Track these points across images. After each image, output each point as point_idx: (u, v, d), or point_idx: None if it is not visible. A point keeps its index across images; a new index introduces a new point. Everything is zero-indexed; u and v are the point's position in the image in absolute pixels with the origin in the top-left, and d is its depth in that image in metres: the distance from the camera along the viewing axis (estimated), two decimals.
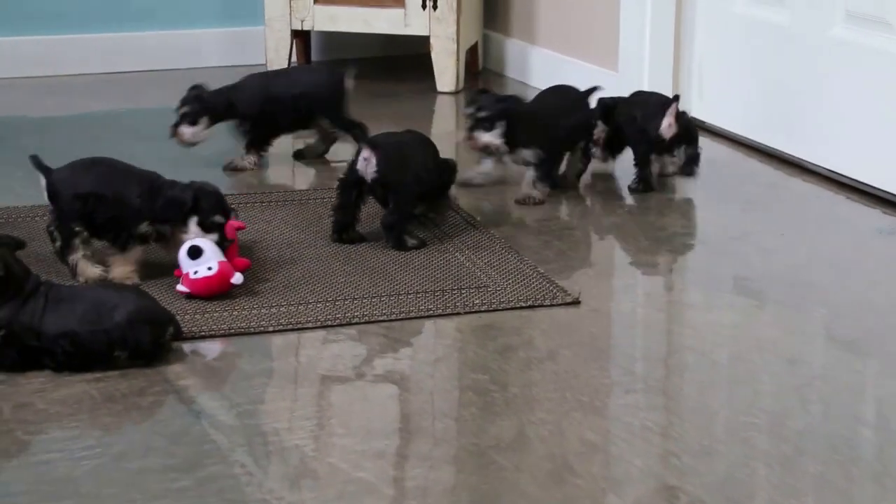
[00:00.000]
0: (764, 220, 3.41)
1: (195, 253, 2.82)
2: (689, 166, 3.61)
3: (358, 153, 3.11)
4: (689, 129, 3.63)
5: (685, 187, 3.68)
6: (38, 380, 2.48)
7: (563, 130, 3.47)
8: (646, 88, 4.14)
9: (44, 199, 2.94)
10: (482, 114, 3.32)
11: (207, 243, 2.84)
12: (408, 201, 3.12)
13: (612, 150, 3.72)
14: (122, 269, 2.89)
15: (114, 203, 2.87)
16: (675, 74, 4.16)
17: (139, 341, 2.50)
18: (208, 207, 2.88)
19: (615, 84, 4.23)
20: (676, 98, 3.57)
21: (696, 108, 4.16)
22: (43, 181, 2.92)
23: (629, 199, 3.61)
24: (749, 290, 2.97)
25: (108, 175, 2.91)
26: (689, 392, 2.50)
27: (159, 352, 2.54)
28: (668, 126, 3.53)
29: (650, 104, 3.59)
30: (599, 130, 3.66)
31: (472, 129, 3.36)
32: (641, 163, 3.59)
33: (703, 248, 3.25)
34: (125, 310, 2.51)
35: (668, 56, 4.15)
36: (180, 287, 2.83)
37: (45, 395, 2.42)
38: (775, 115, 3.88)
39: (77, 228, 2.88)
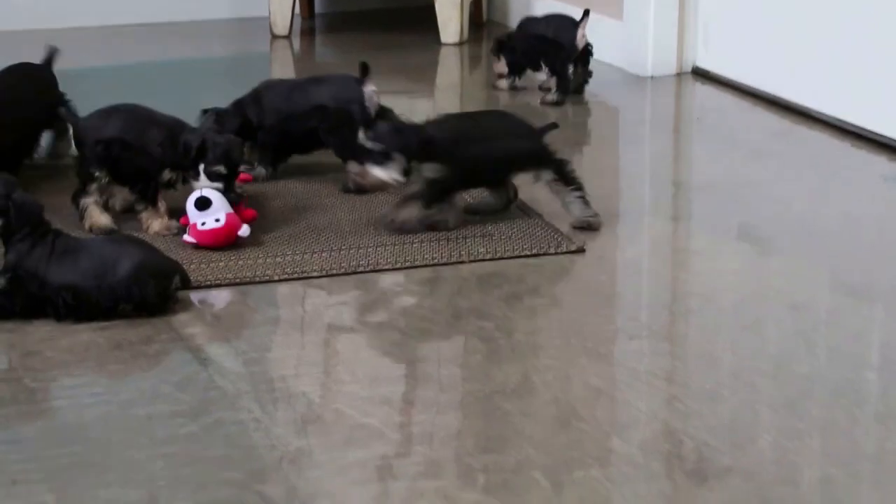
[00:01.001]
0: (769, 168, 3.40)
1: (203, 204, 2.82)
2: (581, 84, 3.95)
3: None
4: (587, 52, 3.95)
5: (690, 135, 3.68)
6: (45, 328, 2.49)
7: (482, 162, 2.96)
8: (651, 38, 4.13)
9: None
10: (376, 145, 2.89)
11: (215, 194, 2.83)
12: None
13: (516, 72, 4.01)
14: (160, 222, 2.90)
15: (135, 149, 2.88)
16: (681, 23, 4.14)
17: (144, 295, 2.51)
18: (214, 156, 2.87)
19: (621, 34, 4.22)
20: (587, 13, 3.85)
21: (701, 57, 4.14)
22: (71, 130, 2.94)
23: (636, 147, 3.60)
24: (754, 237, 2.97)
25: (131, 121, 2.92)
26: (693, 338, 2.51)
27: (165, 303, 2.54)
28: (581, 37, 3.88)
29: (560, 22, 3.93)
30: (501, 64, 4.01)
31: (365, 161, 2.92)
32: (560, 72, 3.87)
33: (708, 196, 3.25)
34: (129, 264, 2.51)
35: (673, 4, 4.13)
36: (186, 237, 2.83)
37: (52, 344, 2.43)
38: (780, 62, 3.86)
39: (97, 174, 2.90)
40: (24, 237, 2.50)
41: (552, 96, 3.89)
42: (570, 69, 3.89)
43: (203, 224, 2.82)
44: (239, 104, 3.25)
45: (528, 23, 4.02)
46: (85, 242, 2.60)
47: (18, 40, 4.40)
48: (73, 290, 2.49)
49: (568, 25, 3.92)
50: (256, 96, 3.26)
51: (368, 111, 3.20)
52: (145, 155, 2.90)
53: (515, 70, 4.01)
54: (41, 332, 2.48)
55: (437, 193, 2.89)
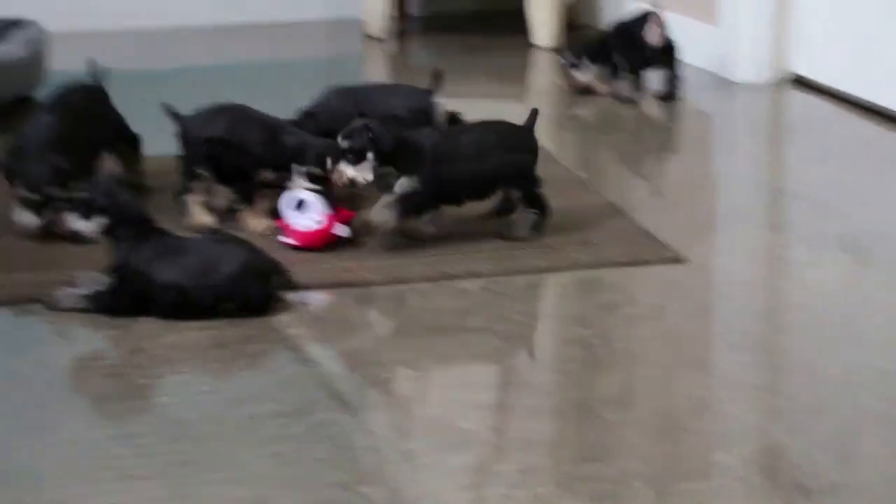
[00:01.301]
0: (868, 178, 3.36)
1: (301, 205, 2.85)
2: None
3: None
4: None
5: (786, 142, 3.65)
6: (149, 326, 2.53)
7: (458, 182, 2.86)
8: (746, 44, 4.10)
9: (162, 149, 3.00)
10: (347, 144, 2.80)
11: (313, 195, 2.86)
12: None
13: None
14: (257, 222, 2.93)
15: (237, 148, 2.91)
16: (777, 29, 4.11)
17: (247, 295, 2.54)
18: (311, 158, 2.90)
19: (715, 39, 4.19)
20: (656, 12, 3.84)
21: (797, 63, 4.10)
22: (174, 128, 2.97)
23: (731, 154, 3.58)
24: (855, 247, 2.94)
25: (235, 120, 2.96)
26: (796, 350, 2.49)
27: (267, 303, 2.57)
28: (654, 34, 3.86)
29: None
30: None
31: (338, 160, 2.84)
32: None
33: (806, 205, 3.22)
34: (233, 263, 2.54)
35: (769, 10, 4.10)
36: (284, 238, 2.86)
37: (157, 341, 2.48)
38: (880, 69, 3.81)
39: (200, 172, 2.94)
40: (129, 236, 2.55)
41: (627, 93, 3.89)
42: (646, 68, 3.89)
43: (301, 225, 2.85)
44: (309, 113, 3.20)
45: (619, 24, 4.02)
46: (189, 242, 2.64)
47: (119, 40, 4.47)
48: (177, 289, 2.53)
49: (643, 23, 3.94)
50: (325, 103, 3.22)
51: (437, 122, 3.18)
52: (246, 154, 2.94)
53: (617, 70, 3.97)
54: (146, 330, 2.52)
55: (409, 208, 2.83)
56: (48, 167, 2.73)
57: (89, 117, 3.04)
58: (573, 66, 3.95)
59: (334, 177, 2.84)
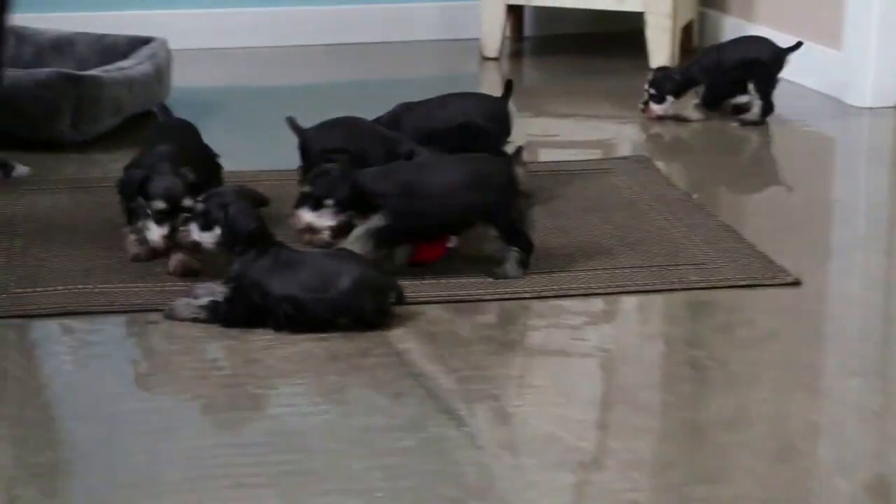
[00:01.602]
0: None
1: None
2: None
3: None
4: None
5: None
6: (265, 337, 2.57)
7: (425, 218, 2.79)
8: (870, 69, 4.03)
9: (266, 163, 3.05)
10: (308, 189, 2.81)
11: None
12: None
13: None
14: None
15: (355, 160, 2.94)
16: None
17: (362, 309, 2.56)
18: None
19: (838, 64, 4.13)
20: (799, 44, 3.81)
21: None
22: (297, 141, 3.04)
23: (851, 179, 3.53)
24: None
25: (353, 132, 3.00)
26: None
27: (382, 318, 2.59)
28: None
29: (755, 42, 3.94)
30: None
31: (298, 205, 2.84)
32: (766, 92, 3.84)
33: None
34: (349, 278, 2.57)
35: (894, 34, 4.03)
36: None
37: (272, 352, 2.51)
38: None
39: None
40: (246, 248, 2.59)
41: (754, 115, 3.85)
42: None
43: None
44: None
45: (717, 51, 3.98)
46: (306, 256, 2.67)
47: (236, 57, 4.55)
48: (293, 302, 2.56)
49: (765, 45, 3.90)
50: (395, 118, 3.20)
51: (510, 129, 3.16)
52: (364, 165, 2.96)
53: (713, 102, 3.92)
54: (262, 342, 2.56)
55: (380, 242, 2.77)
56: (182, 180, 2.78)
57: (194, 144, 3.11)
58: (653, 98, 3.91)
59: (291, 220, 2.84)
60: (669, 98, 3.88)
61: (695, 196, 3.31)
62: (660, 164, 3.53)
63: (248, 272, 2.58)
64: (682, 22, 4.61)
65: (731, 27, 4.68)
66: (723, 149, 3.74)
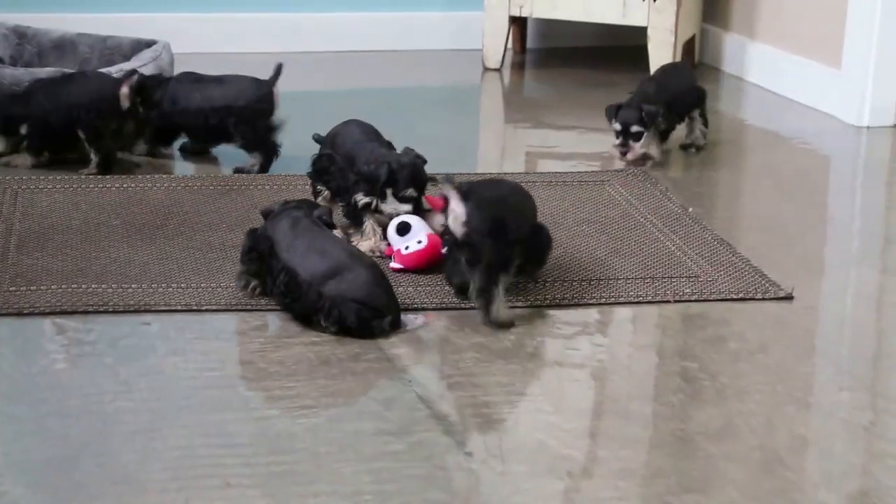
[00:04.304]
0: None
1: (403, 229, 2.88)
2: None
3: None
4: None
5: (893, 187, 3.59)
6: (258, 340, 2.58)
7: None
8: (869, 88, 4.04)
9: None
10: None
11: (414, 218, 2.89)
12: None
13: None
14: (367, 243, 2.95)
15: (340, 168, 3.00)
16: None
17: (343, 318, 2.56)
18: (402, 180, 2.92)
19: (837, 82, 4.15)
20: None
21: None
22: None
23: (848, 197, 3.54)
24: None
25: (343, 139, 3.07)
26: None
27: (367, 335, 2.58)
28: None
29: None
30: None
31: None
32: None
33: None
34: (343, 284, 2.56)
35: (893, 54, 4.04)
36: (393, 264, 2.89)
37: (264, 355, 2.52)
38: None
39: (318, 187, 3.11)
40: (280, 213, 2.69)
41: (700, 138, 3.79)
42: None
43: (406, 248, 2.88)
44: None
45: (657, 82, 3.76)
46: (331, 241, 2.65)
47: (238, 62, 4.56)
48: (291, 274, 2.58)
49: (686, 72, 3.87)
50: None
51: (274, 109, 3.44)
52: (347, 175, 3.00)
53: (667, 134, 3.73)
54: (254, 344, 2.57)
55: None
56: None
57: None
58: (634, 136, 3.58)
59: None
60: (646, 134, 3.58)
61: (690, 210, 3.32)
62: (656, 178, 3.54)
63: (267, 229, 2.65)
64: (684, 37, 4.63)
65: (733, 43, 4.70)
66: (719, 164, 3.75)
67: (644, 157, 3.63)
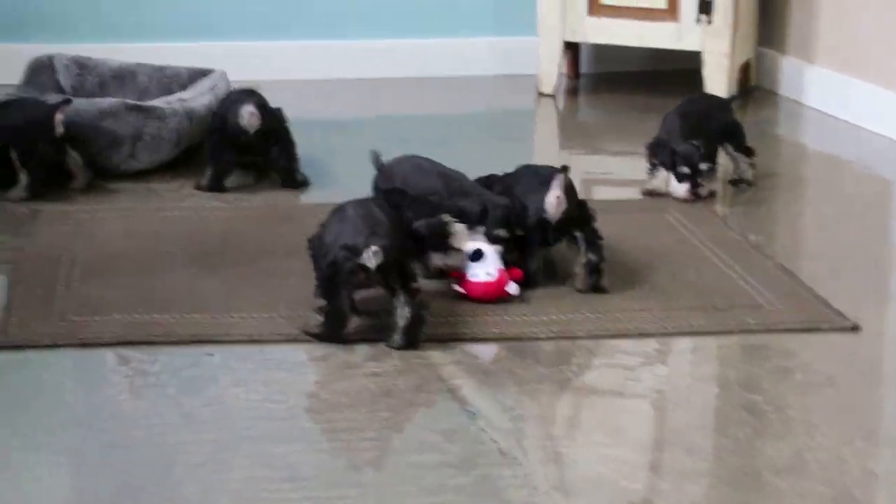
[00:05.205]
0: None
1: (477, 256, 2.87)
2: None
3: None
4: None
5: None
6: (320, 371, 2.58)
7: None
8: None
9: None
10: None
11: (490, 248, 2.88)
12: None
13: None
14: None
15: (414, 201, 2.96)
16: None
17: (332, 265, 2.62)
18: (494, 220, 2.91)
19: None
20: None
21: None
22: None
23: None
24: None
25: (413, 171, 3.05)
26: None
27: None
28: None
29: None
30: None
31: None
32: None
33: None
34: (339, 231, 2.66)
35: None
36: (457, 287, 2.88)
37: (326, 386, 2.51)
38: None
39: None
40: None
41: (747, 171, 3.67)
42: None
43: (475, 276, 2.86)
44: None
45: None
46: (369, 209, 2.74)
47: (290, 89, 4.58)
48: (316, 242, 2.69)
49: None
50: None
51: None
52: (426, 204, 2.97)
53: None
54: (316, 375, 2.57)
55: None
56: None
57: None
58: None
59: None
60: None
61: (751, 237, 3.29)
62: (715, 205, 3.52)
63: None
64: (739, 61, 4.60)
65: (790, 67, 4.66)
66: (779, 190, 3.72)
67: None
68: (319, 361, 2.61)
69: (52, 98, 3.60)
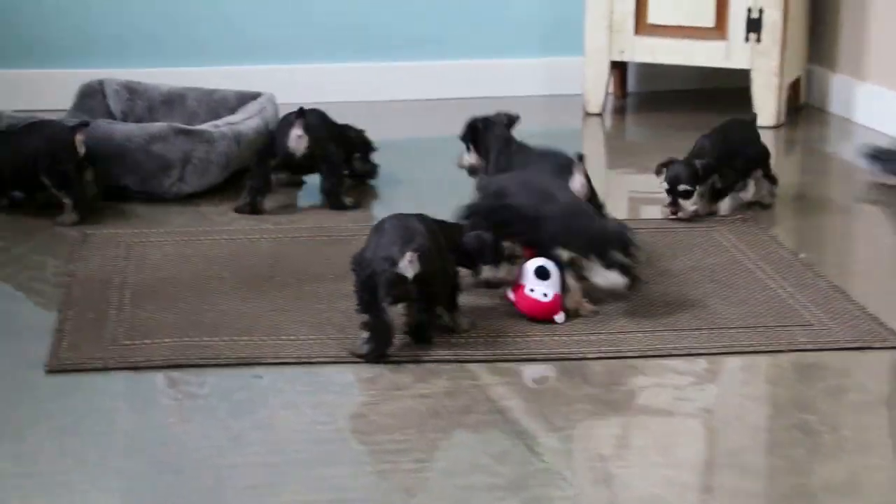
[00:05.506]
0: None
1: (542, 274, 2.85)
2: None
3: None
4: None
5: None
6: (369, 393, 2.58)
7: None
8: None
9: None
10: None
11: (555, 270, 2.86)
12: None
13: None
14: (571, 299, 2.88)
15: (523, 218, 2.94)
16: None
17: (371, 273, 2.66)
18: (618, 245, 2.86)
19: None
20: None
21: None
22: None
23: None
24: None
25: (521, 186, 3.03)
26: None
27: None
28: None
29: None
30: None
31: None
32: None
33: None
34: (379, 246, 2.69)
35: None
36: (510, 294, 2.87)
37: (375, 408, 2.51)
38: None
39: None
40: None
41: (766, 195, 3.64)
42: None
43: (532, 291, 2.85)
44: None
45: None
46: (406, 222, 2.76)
47: (335, 112, 4.61)
48: (357, 258, 2.71)
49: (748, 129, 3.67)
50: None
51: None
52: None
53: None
54: (365, 396, 2.57)
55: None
56: None
57: None
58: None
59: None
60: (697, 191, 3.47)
61: (801, 256, 3.26)
62: (765, 223, 3.49)
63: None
64: (789, 79, 4.57)
65: (840, 84, 4.63)
66: (829, 209, 3.68)
67: (696, 215, 3.47)
68: (368, 383, 2.60)
69: (70, 120, 3.63)
